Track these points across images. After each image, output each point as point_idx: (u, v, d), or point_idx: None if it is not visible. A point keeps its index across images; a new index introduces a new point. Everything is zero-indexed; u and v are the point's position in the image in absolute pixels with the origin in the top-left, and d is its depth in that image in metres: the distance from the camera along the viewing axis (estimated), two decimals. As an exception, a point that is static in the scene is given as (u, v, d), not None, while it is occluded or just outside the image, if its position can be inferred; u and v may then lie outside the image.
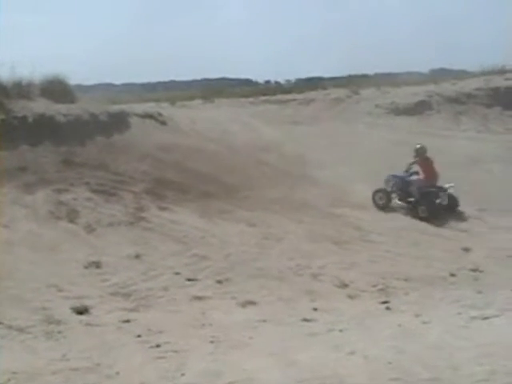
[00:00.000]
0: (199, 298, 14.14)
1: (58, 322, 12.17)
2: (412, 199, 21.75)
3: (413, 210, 21.43)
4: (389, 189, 22.32)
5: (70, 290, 14.00)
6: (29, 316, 12.36)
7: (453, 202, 21.69)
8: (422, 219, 20.78)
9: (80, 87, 27.46)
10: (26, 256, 15.41)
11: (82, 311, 12.81)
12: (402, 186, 22.15)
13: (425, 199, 21.36)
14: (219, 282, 15.16)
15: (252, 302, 13.87)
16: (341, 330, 11.96)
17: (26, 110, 21.15)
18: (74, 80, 24.92)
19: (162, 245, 17.26)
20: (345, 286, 15.17)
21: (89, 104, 23.55)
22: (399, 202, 22.10)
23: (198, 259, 16.50)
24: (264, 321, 12.67)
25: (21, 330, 11.72)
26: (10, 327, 11.76)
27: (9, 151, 19.40)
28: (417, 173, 22.40)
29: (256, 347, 11.19)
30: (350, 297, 14.59)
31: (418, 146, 22.54)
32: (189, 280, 15.17)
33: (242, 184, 21.51)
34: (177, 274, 15.46)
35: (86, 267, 15.35)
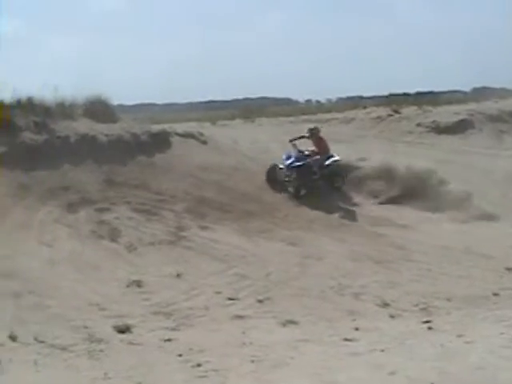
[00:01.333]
0: (240, 317, 14.14)
1: (100, 341, 12.23)
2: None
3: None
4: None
5: (111, 308, 14.09)
6: (71, 334, 12.45)
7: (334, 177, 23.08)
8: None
9: (122, 107, 27.71)
10: (68, 275, 15.55)
11: (123, 330, 12.87)
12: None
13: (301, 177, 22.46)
14: (260, 301, 15.15)
15: (293, 322, 13.83)
16: (382, 350, 11.86)
17: (68, 130, 21.40)
18: (116, 100, 25.18)
19: (203, 264, 17.30)
20: (386, 305, 15.07)
21: (130, 124, 23.75)
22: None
23: (238, 278, 16.51)
24: (305, 340, 12.61)
25: (63, 348, 11.80)
26: (52, 346, 11.86)
27: (52, 171, 19.64)
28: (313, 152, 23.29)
29: (297, 367, 11.14)
30: (392, 316, 14.49)
31: (312, 126, 24.13)
32: (229, 299, 15.18)
33: (282, 203, 21.52)
34: (218, 293, 15.47)
35: (127, 286, 15.45)
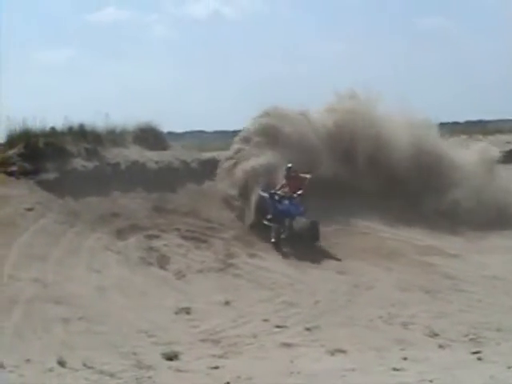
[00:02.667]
0: (288, 345, 14.06)
1: (148, 368, 12.25)
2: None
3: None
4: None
5: (160, 335, 14.11)
6: (120, 361, 12.48)
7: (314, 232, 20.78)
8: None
9: (172, 134, 27.90)
10: (117, 301, 15.63)
11: (171, 357, 12.87)
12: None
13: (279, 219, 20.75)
14: (308, 329, 15.06)
15: (341, 350, 13.71)
16: (431, 381, 11.69)
17: (119, 157, 21.64)
18: (165, 127, 25.38)
19: (251, 291, 17.30)
20: (435, 335, 14.87)
21: (180, 151, 23.95)
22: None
23: (286, 306, 16.46)
24: (353, 369, 12.49)
25: (112, 374, 11.82)
26: (101, 372, 11.88)
27: (102, 197, 19.86)
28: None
29: (345, 396, 11.07)
30: (441, 346, 14.28)
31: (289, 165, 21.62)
32: (277, 327, 15.11)
33: (332, 232, 21.44)
34: (265, 320, 15.42)
35: (176, 313, 15.48)
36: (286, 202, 20.68)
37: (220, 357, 13.28)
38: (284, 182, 21.37)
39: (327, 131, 24.64)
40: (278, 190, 21.25)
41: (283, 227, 20.44)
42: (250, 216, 21.35)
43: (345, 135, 24.46)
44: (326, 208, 20.78)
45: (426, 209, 23.58)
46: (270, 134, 23.88)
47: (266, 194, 21.17)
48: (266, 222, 20.85)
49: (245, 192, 22.13)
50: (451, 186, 24.07)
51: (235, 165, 23.31)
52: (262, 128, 24.25)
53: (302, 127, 24.11)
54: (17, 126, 20.86)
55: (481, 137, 35.75)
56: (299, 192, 20.81)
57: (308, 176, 21.25)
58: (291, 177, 21.31)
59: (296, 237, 20.39)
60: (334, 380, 11.92)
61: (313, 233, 20.39)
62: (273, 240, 20.20)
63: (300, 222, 20.56)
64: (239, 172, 22.72)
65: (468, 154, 26.55)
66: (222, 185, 22.97)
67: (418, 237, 22.12)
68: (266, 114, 24.67)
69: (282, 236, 20.38)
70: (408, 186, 23.87)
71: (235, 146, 24.37)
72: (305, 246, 20.13)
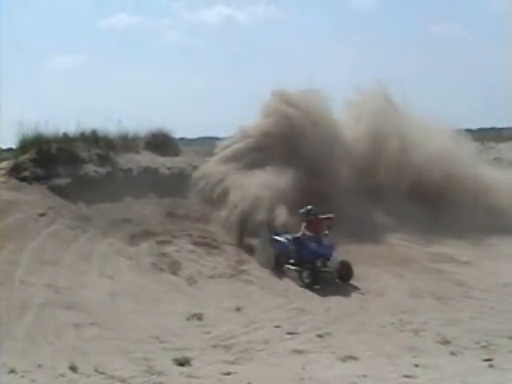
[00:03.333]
0: (299, 352, 14.03)
1: (160, 374, 12.26)
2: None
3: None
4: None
5: (171, 341, 14.12)
6: (131, 366, 12.51)
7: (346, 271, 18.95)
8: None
9: (184, 140, 27.95)
10: (128, 307, 15.66)
11: (183, 363, 12.86)
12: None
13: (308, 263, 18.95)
14: (319, 335, 15.03)
15: (352, 357, 13.67)
16: (443, 388, 11.71)
17: (131, 163, 21.69)
18: (177, 133, 25.42)
19: (263, 298, 17.29)
20: (447, 342, 14.80)
21: (192, 157, 23.96)
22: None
23: (298, 313, 16.45)
24: (364, 376, 12.46)
25: (123, 380, 11.85)
26: (112, 377, 11.92)
27: (114, 203, 19.90)
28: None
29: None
30: (453, 353, 14.21)
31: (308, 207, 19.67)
32: (289, 333, 15.09)
33: (342, 238, 21.39)
34: (277, 327, 15.41)
35: (187, 319, 15.48)
36: (313, 243, 19.08)
37: (231, 363, 13.27)
38: (304, 224, 19.41)
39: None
40: (302, 234, 19.29)
41: (314, 268, 18.82)
42: (269, 262, 19.43)
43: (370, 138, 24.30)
44: (335, 213, 20.65)
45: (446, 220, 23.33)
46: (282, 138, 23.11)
47: (282, 239, 19.70)
48: (291, 267, 19.29)
49: (245, 225, 20.66)
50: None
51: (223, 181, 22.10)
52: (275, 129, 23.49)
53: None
54: (29, 131, 20.99)
55: (493, 144, 35.72)
56: (326, 232, 19.46)
57: (331, 216, 19.73)
58: (311, 219, 19.47)
59: (329, 276, 18.90)
60: (345, 386, 11.92)
61: (346, 271, 18.96)
62: (306, 282, 18.46)
63: (331, 262, 19.10)
64: (236, 199, 21.21)
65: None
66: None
67: (429, 243, 22.05)
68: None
69: (310, 279, 18.55)
70: (428, 193, 23.73)
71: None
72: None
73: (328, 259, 19.01)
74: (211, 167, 22.77)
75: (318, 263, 18.95)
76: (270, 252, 19.43)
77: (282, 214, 20.35)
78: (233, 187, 21.44)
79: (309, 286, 18.22)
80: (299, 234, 19.25)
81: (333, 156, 23.01)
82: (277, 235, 19.85)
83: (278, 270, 19.15)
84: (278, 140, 23.21)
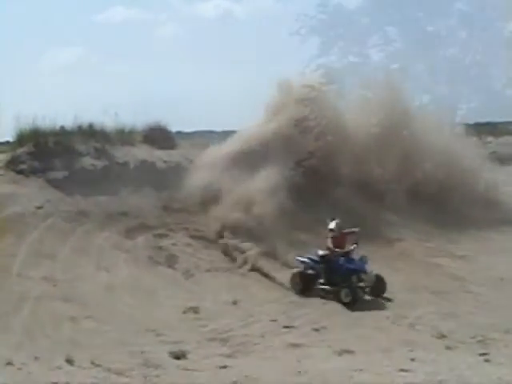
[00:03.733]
0: (295, 346, 14.03)
1: (156, 366, 12.26)
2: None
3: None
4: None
5: (168, 334, 14.15)
6: (127, 359, 12.53)
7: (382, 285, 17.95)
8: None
9: (180, 134, 27.88)
10: (125, 300, 15.68)
11: (179, 356, 12.88)
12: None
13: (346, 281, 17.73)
14: (316, 329, 15.04)
15: (348, 351, 13.67)
16: (439, 382, 11.71)
17: (128, 157, 21.68)
18: (174, 127, 25.40)
19: (259, 291, 17.30)
20: (443, 336, 14.78)
21: (189, 151, 23.91)
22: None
23: (294, 306, 16.48)
24: (360, 370, 12.46)
25: (119, 373, 11.85)
26: (108, 370, 11.93)
27: (110, 196, 19.88)
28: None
29: (352, 396, 11.06)
30: (448, 348, 14.19)
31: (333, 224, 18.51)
32: (285, 327, 15.11)
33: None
34: (273, 320, 15.43)
35: (184, 312, 15.51)
36: (342, 259, 18.05)
37: (228, 356, 13.30)
38: (329, 240, 18.27)
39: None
40: (329, 251, 18.23)
41: (351, 285, 17.67)
42: (296, 285, 18.16)
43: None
44: (333, 207, 20.62)
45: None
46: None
47: (305, 259, 18.50)
48: (322, 287, 18.13)
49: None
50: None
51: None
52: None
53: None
54: (26, 124, 20.97)
55: (491, 139, 35.64)
56: (352, 247, 18.34)
57: (356, 230, 18.54)
58: (335, 235, 18.29)
59: (364, 291, 18.00)
60: (341, 380, 11.92)
61: (382, 286, 18.00)
62: (345, 301, 17.18)
63: (367, 276, 18.00)
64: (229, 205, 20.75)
65: None
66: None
67: (425, 238, 22.05)
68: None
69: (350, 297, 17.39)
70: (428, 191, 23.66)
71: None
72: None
73: (364, 273, 17.87)
74: (209, 169, 22.06)
75: (354, 279, 17.78)
76: (296, 275, 18.16)
77: None
78: (228, 191, 21.03)
79: (349, 305, 16.97)
80: (325, 252, 18.16)
81: (339, 154, 23.04)
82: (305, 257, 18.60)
83: (306, 292, 17.85)
84: (288, 141, 22.66)
